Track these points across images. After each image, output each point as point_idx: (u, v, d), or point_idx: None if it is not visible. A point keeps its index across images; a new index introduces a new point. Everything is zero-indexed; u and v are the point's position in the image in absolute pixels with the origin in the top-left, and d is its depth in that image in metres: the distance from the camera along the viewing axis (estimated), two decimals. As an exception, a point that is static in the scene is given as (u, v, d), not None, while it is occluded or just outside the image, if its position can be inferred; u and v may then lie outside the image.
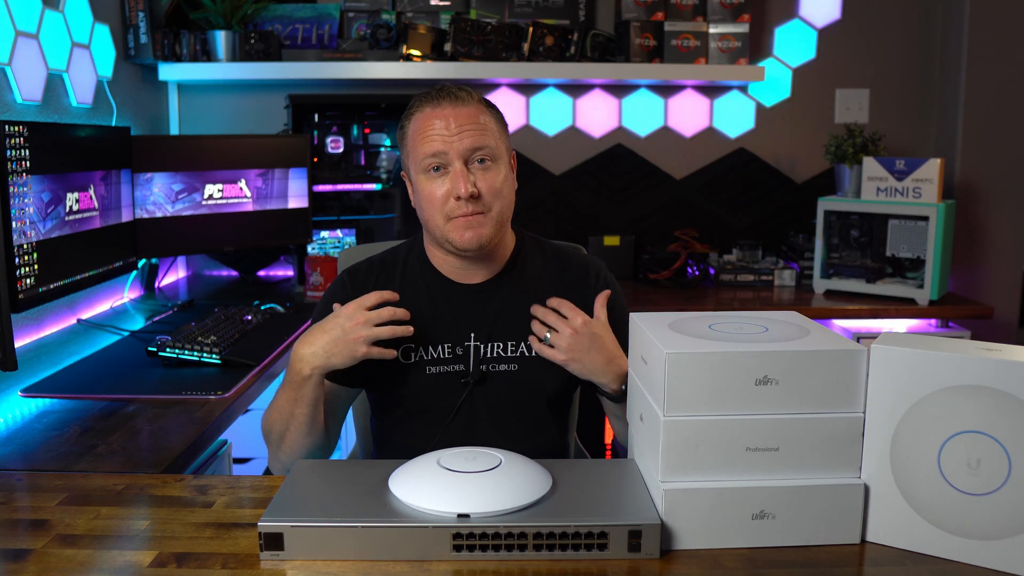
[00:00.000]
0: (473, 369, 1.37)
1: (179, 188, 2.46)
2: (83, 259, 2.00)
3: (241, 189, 2.59)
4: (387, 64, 2.69)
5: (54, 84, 2.12)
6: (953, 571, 0.93)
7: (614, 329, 1.36)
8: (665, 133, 3.06)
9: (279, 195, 2.66)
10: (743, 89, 3.04)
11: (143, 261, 2.58)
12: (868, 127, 2.99)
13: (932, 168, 2.51)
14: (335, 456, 1.49)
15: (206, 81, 2.80)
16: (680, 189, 3.09)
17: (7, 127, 1.68)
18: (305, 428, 1.28)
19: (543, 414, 1.42)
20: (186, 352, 1.73)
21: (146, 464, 1.25)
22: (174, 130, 2.87)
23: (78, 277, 1.97)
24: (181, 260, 2.94)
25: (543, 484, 1.01)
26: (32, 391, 1.59)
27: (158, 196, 2.42)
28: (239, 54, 2.65)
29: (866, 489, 0.98)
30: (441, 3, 2.87)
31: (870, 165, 2.59)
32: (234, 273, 2.90)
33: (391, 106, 2.81)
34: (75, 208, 1.97)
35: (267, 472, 1.44)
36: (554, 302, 1.32)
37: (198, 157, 2.51)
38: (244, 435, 2.11)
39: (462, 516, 0.94)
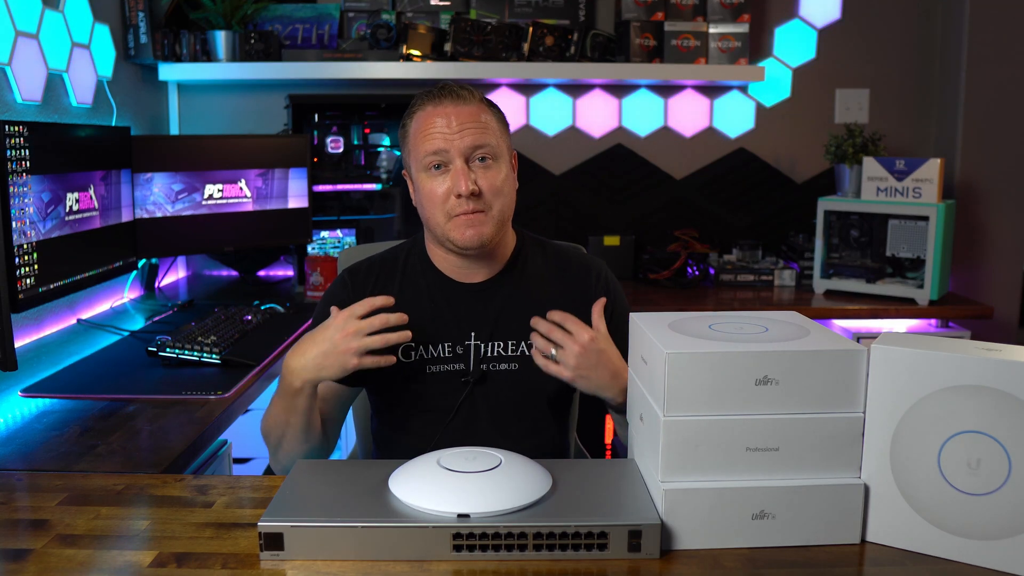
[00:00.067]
0: (473, 368, 1.37)
1: (179, 188, 2.46)
2: (83, 259, 2.00)
3: (241, 189, 2.59)
4: (387, 64, 2.69)
5: (54, 84, 2.12)
6: (953, 571, 0.93)
7: (616, 329, 1.36)
8: (665, 133, 3.06)
9: (279, 195, 2.66)
10: (743, 89, 3.04)
11: (143, 261, 2.58)
12: (868, 127, 2.99)
13: (932, 168, 2.51)
14: (335, 456, 1.49)
15: (206, 81, 2.80)
16: (680, 189, 3.09)
17: (7, 127, 1.68)
18: (301, 435, 1.29)
19: (543, 414, 1.42)
20: (186, 352, 1.73)
21: (146, 464, 1.25)
22: (174, 130, 2.88)
23: (78, 277, 1.97)
24: (181, 260, 2.94)
25: (543, 484, 1.01)
26: (32, 391, 1.59)
27: (158, 196, 2.42)
28: (239, 54, 2.65)
29: (866, 489, 0.98)
30: (441, 3, 2.87)
31: (870, 165, 2.59)
32: (234, 273, 2.90)
33: (391, 106, 2.81)
34: (75, 208, 1.97)
35: (267, 472, 1.45)
36: (557, 316, 1.28)
37: (198, 157, 2.51)
38: (244, 435, 2.11)
39: (462, 516, 0.94)
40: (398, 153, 2.90)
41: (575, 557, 0.94)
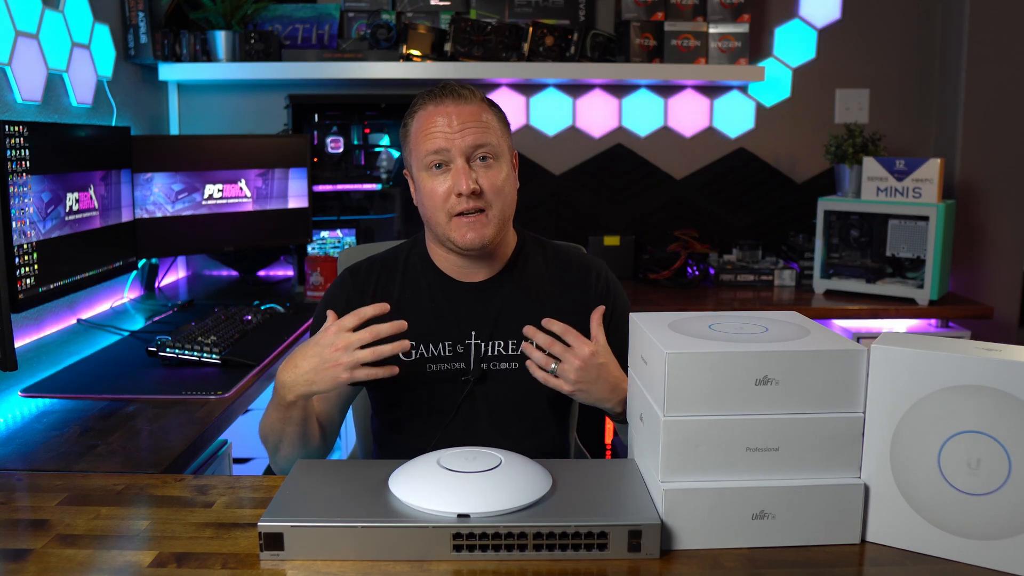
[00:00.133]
0: (474, 368, 1.37)
1: (179, 188, 2.46)
2: (83, 259, 2.00)
3: (241, 189, 2.59)
4: (387, 64, 2.69)
5: (54, 84, 2.12)
6: (953, 571, 0.93)
7: (617, 329, 1.36)
8: (665, 133, 3.06)
9: (279, 195, 2.66)
10: (743, 89, 3.04)
11: (143, 261, 2.58)
12: (868, 127, 2.99)
13: (932, 168, 2.51)
14: (335, 456, 1.49)
15: (206, 81, 2.80)
16: (680, 189, 3.09)
17: (7, 127, 1.68)
18: (298, 442, 1.29)
19: (543, 413, 1.42)
20: (186, 352, 1.73)
21: (146, 464, 1.25)
22: (174, 130, 2.88)
23: (78, 277, 1.97)
24: (181, 260, 2.94)
25: (543, 484, 1.01)
26: (32, 391, 1.59)
27: (158, 196, 2.42)
28: (239, 54, 2.65)
29: (866, 489, 0.98)
30: (441, 3, 2.87)
31: (870, 165, 2.59)
32: (234, 273, 2.90)
33: (391, 106, 2.81)
34: (75, 208, 1.97)
35: (267, 472, 1.45)
36: (556, 327, 1.26)
37: (198, 157, 2.51)
38: (244, 435, 2.11)
39: (462, 516, 0.94)
40: (398, 153, 2.90)
41: (575, 557, 0.94)
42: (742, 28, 2.83)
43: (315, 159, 2.78)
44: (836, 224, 2.73)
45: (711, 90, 3.05)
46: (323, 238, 2.80)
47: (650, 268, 2.86)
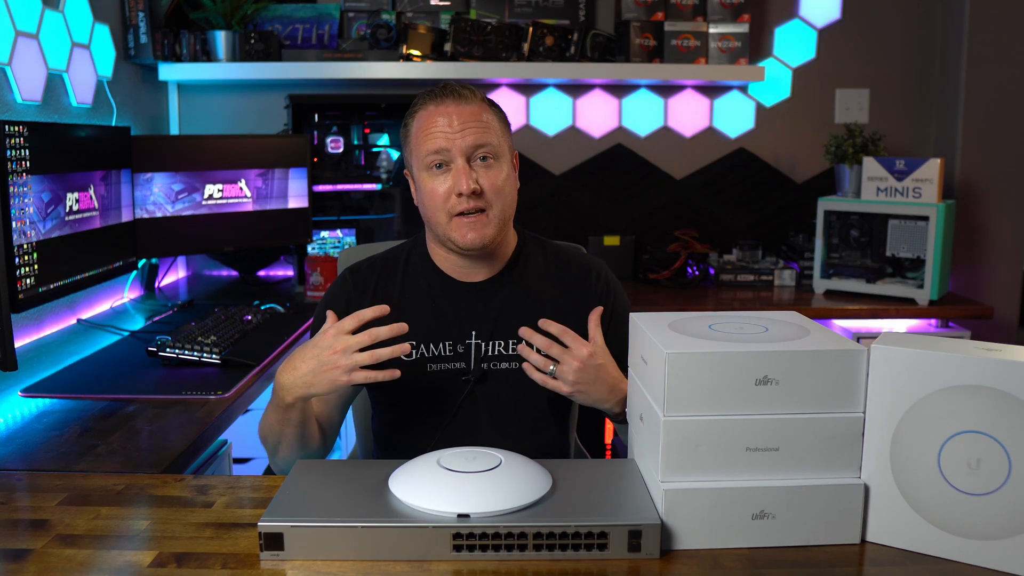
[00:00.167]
0: (474, 367, 1.37)
1: (179, 188, 2.46)
2: (83, 259, 2.00)
3: (241, 189, 2.59)
4: (387, 64, 2.69)
5: (54, 84, 2.12)
6: (953, 571, 0.93)
7: (617, 329, 1.36)
8: (665, 133, 3.06)
9: (279, 195, 2.66)
10: (743, 89, 3.04)
11: (143, 261, 2.58)
12: (868, 127, 2.99)
13: (932, 168, 2.51)
14: (335, 456, 1.49)
15: (206, 81, 2.80)
16: (680, 189, 3.09)
17: (7, 127, 1.68)
18: (297, 444, 1.29)
19: (544, 413, 1.42)
20: (186, 352, 1.73)
21: (146, 464, 1.25)
22: (174, 130, 2.88)
23: (78, 277, 1.97)
24: (181, 260, 2.94)
25: (543, 484, 1.01)
26: (32, 391, 1.59)
27: (158, 196, 2.42)
28: (239, 54, 2.65)
29: (866, 489, 0.98)
30: (441, 3, 2.87)
31: (870, 165, 2.59)
32: (234, 273, 2.90)
33: (391, 106, 2.81)
34: (75, 208, 1.97)
35: (267, 472, 1.45)
36: (554, 328, 1.26)
37: (198, 157, 2.51)
38: (244, 435, 2.11)
39: (462, 516, 0.94)
40: (398, 153, 2.90)
41: (575, 557, 0.94)
42: (742, 28, 2.83)
43: (315, 159, 2.78)
44: (836, 224, 2.73)
45: (711, 90, 3.05)
46: (323, 238, 2.80)
47: (650, 268, 2.86)
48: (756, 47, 2.99)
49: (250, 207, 2.61)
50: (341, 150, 2.81)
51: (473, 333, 1.38)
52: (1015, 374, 0.90)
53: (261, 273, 2.87)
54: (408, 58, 2.71)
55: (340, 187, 2.80)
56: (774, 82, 3.04)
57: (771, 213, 3.10)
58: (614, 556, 0.94)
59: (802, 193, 3.07)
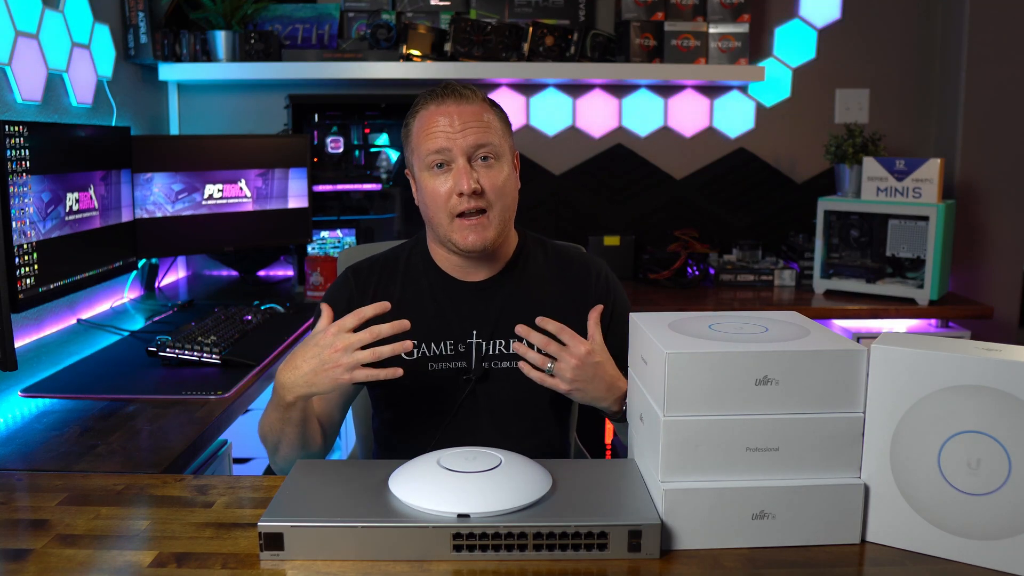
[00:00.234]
0: (475, 366, 1.38)
1: (179, 188, 2.46)
2: (83, 259, 2.00)
3: (241, 189, 2.59)
4: (387, 64, 2.69)
5: (54, 84, 2.12)
6: (953, 571, 0.93)
7: (617, 328, 1.36)
8: (665, 133, 3.06)
9: (279, 195, 2.66)
10: (743, 89, 3.04)
11: (143, 261, 2.58)
12: (868, 127, 2.99)
13: (932, 168, 2.51)
14: (335, 456, 1.49)
15: (206, 81, 2.80)
16: (680, 189, 3.09)
17: (7, 127, 1.68)
18: (297, 443, 1.28)
19: (544, 413, 1.42)
20: (186, 352, 1.73)
21: (146, 464, 1.25)
22: (174, 130, 2.88)
23: (78, 277, 1.97)
24: (181, 260, 2.94)
25: (543, 484, 1.01)
26: (32, 391, 1.59)
27: (158, 196, 2.42)
28: (239, 54, 2.65)
29: (866, 489, 0.98)
30: (441, 3, 2.87)
31: (870, 165, 2.59)
32: (234, 273, 2.90)
33: (391, 106, 2.81)
34: (75, 208, 1.97)
35: (267, 472, 1.45)
36: (552, 326, 1.25)
37: (198, 157, 2.51)
38: (244, 435, 2.11)
39: (462, 516, 0.94)
40: (397, 153, 2.90)
41: (575, 557, 0.94)
42: (742, 28, 2.83)
43: (315, 159, 2.78)
44: (836, 224, 2.73)
45: (711, 90, 3.05)
46: (323, 238, 2.80)
47: (650, 268, 2.86)
48: (756, 47, 2.99)
49: (250, 207, 2.61)
50: (341, 150, 2.81)
51: (474, 332, 1.38)
52: (1015, 374, 0.90)
53: (261, 273, 2.87)
54: (408, 58, 2.71)
55: (340, 187, 2.80)
56: (774, 82, 3.04)
57: (771, 213, 3.10)
58: (614, 556, 0.94)
59: (802, 193, 3.07)
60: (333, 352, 1.15)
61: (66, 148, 1.95)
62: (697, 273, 2.83)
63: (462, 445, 1.11)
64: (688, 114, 3.05)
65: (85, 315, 2.23)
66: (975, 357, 0.92)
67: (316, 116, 2.81)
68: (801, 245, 2.90)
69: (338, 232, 2.84)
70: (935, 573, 0.93)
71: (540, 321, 1.26)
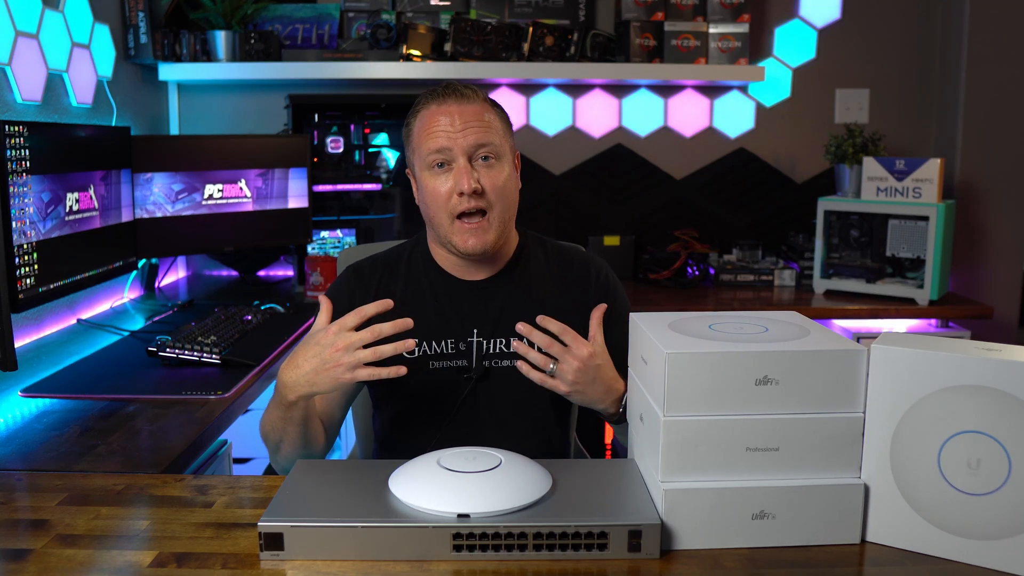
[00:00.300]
0: (476, 365, 1.38)
1: (179, 188, 2.46)
2: (83, 259, 2.00)
3: (241, 189, 2.59)
4: (387, 64, 2.69)
5: (54, 84, 2.12)
6: (953, 571, 0.93)
7: (617, 328, 1.36)
8: (665, 133, 3.06)
9: (279, 195, 2.66)
10: (743, 89, 3.04)
11: (143, 261, 2.58)
12: (868, 127, 2.99)
13: (932, 168, 2.51)
14: (335, 456, 1.49)
15: (206, 81, 2.80)
16: (680, 189, 3.09)
17: (7, 127, 1.68)
18: (299, 442, 1.28)
19: (544, 412, 1.42)
20: (186, 352, 1.73)
21: (146, 464, 1.25)
22: (174, 130, 2.88)
23: (78, 277, 1.97)
24: (181, 260, 2.94)
25: (543, 484, 1.01)
26: (32, 391, 1.59)
27: (158, 196, 2.42)
28: (239, 54, 2.65)
29: (866, 489, 0.98)
30: (441, 3, 2.87)
31: (870, 165, 2.59)
32: (234, 273, 2.90)
33: (391, 106, 2.81)
34: (75, 208, 1.97)
35: (267, 472, 1.44)
36: (554, 327, 1.24)
37: (198, 157, 2.51)
38: (244, 435, 2.11)
39: (462, 516, 0.94)
40: (397, 153, 2.90)
41: (575, 557, 0.94)
42: (742, 28, 2.83)
43: (315, 159, 2.78)
44: (836, 224, 2.73)
45: (711, 90, 3.05)
46: (323, 238, 2.80)
47: (650, 268, 2.86)
48: (756, 47, 2.99)
49: (250, 207, 2.61)
50: (341, 150, 2.81)
51: (475, 331, 1.38)
52: (1015, 374, 0.90)
53: (261, 273, 2.87)
54: (408, 58, 2.71)
55: (340, 187, 2.80)
56: (774, 82, 3.04)
57: (771, 213, 3.10)
58: (614, 556, 0.94)
59: (802, 193, 3.07)
60: (334, 351, 1.14)
61: (66, 148, 1.95)
62: (697, 273, 2.83)
63: (462, 444, 1.11)
64: (688, 114, 3.05)
65: (85, 315, 2.23)
66: (975, 357, 0.92)
67: (316, 116, 2.81)
68: (801, 245, 2.90)
69: (338, 232, 2.84)
70: (935, 573, 0.93)
71: (542, 320, 1.26)
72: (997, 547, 0.92)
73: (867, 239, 2.68)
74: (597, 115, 3.04)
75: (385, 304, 1.18)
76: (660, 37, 2.82)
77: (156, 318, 2.21)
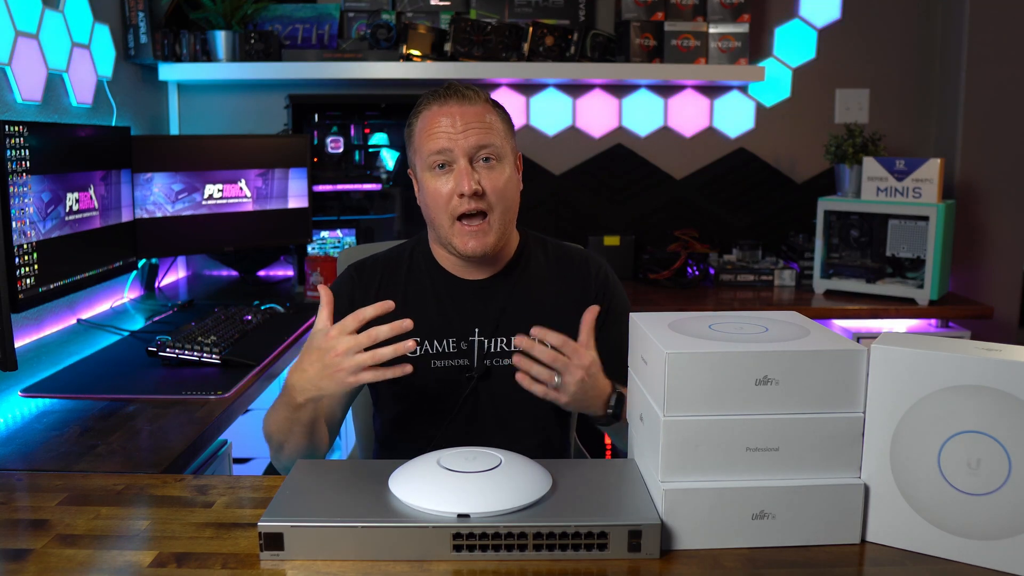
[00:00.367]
0: (477, 364, 1.38)
1: (179, 188, 2.46)
2: (83, 259, 2.00)
3: (241, 189, 2.59)
4: (387, 64, 2.69)
5: (54, 84, 2.12)
6: (953, 571, 0.93)
7: (616, 326, 1.36)
8: (665, 133, 3.06)
9: (279, 195, 2.66)
10: (743, 89, 3.04)
11: (143, 261, 2.58)
12: (868, 127, 2.99)
13: (932, 168, 2.51)
14: (335, 456, 1.49)
15: (206, 81, 2.80)
16: (680, 189, 3.09)
17: (7, 127, 1.68)
18: (304, 442, 1.28)
19: (545, 412, 1.42)
20: (186, 352, 1.73)
21: (146, 464, 1.25)
22: (174, 130, 2.88)
23: (78, 277, 1.97)
24: (181, 260, 2.94)
25: (543, 484, 1.01)
26: (32, 391, 1.59)
27: (158, 196, 2.42)
28: (239, 54, 2.65)
29: (866, 489, 0.98)
30: (441, 3, 2.87)
31: (870, 165, 2.59)
32: (234, 273, 2.90)
33: (391, 106, 2.81)
34: (75, 208, 1.97)
35: (267, 472, 1.44)
36: (553, 339, 1.21)
37: (198, 157, 2.51)
38: (244, 435, 2.11)
39: (462, 516, 0.94)
40: (397, 154, 2.90)
41: (575, 557, 0.94)
42: (742, 28, 2.83)
43: (315, 159, 2.78)
44: (836, 224, 2.73)
45: (711, 90, 3.05)
46: (323, 238, 2.80)
47: (650, 268, 2.86)
48: (756, 47, 2.99)
49: (250, 207, 2.61)
50: (341, 150, 2.81)
51: (476, 330, 1.38)
52: (1015, 374, 0.90)
53: (261, 273, 2.87)
54: (408, 58, 2.71)
55: (340, 187, 2.80)
56: (774, 82, 3.04)
57: (771, 213, 3.10)
58: (614, 556, 0.94)
59: (802, 193, 3.07)
60: (335, 356, 1.14)
61: (66, 148, 1.95)
62: (697, 273, 2.83)
63: (463, 443, 1.11)
64: (688, 114, 3.05)
65: (85, 315, 2.23)
66: (975, 357, 0.92)
67: (316, 116, 2.81)
68: (801, 245, 2.90)
69: (338, 232, 2.84)
70: (935, 573, 0.93)
71: (539, 332, 1.21)
72: (997, 547, 0.92)
73: (867, 239, 2.68)
74: (597, 115, 3.04)
75: (385, 305, 1.16)
76: (660, 37, 2.82)
77: (156, 318, 2.21)
